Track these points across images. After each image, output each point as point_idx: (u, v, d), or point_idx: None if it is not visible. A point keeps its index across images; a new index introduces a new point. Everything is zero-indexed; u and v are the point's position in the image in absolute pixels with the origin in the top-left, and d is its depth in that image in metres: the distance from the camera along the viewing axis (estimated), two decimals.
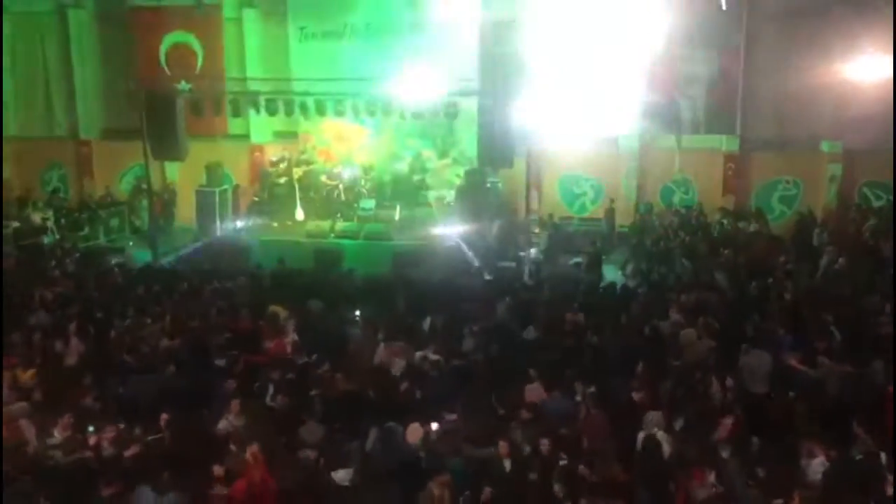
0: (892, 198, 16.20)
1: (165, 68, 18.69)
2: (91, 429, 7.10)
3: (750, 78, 17.04)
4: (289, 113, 16.76)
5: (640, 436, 6.90)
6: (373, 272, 13.93)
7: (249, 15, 18.71)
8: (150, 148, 16.12)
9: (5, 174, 19.62)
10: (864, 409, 7.21)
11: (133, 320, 10.41)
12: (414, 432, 6.89)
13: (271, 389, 8.10)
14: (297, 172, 18.17)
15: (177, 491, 6.06)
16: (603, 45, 15.85)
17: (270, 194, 18.15)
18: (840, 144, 16.88)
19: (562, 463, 6.46)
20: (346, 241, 16.25)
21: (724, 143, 17.66)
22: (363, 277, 13.42)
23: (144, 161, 16.43)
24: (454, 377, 8.45)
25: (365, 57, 17.30)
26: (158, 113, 15.84)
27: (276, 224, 17.52)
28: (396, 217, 17.34)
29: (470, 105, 16.09)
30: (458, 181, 17.62)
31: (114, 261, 15.34)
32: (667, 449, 6.70)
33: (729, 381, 8.07)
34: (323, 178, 18.04)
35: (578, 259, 15.02)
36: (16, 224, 16.72)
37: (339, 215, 17.40)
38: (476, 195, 16.26)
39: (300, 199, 17.71)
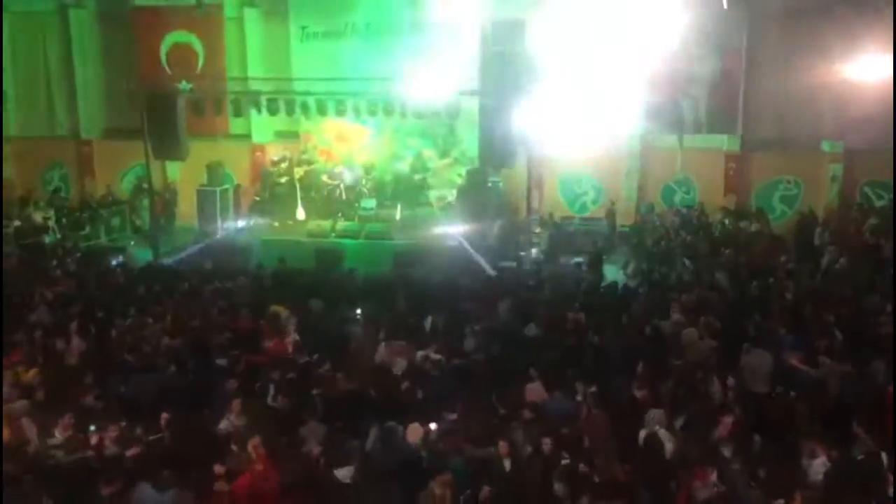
0: (893, 197, 16.20)
1: (166, 68, 18.68)
2: (92, 428, 7.10)
3: (751, 78, 17.06)
4: (290, 112, 16.77)
5: (642, 434, 6.90)
6: (374, 272, 13.95)
7: (250, 14, 18.74)
8: (152, 147, 16.14)
9: (7, 174, 19.65)
10: (865, 409, 7.20)
11: (134, 320, 10.41)
12: (414, 432, 6.88)
13: (272, 389, 8.10)
14: (299, 172, 18.20)
15: (177, 488, 6.06)
16: (605, 45, 15.82)
17: (271, 194, 18.17)
18: (841, 144, 16.89)
19: (563, 462, 6.45)
20: (347, 241, 16.27)
21: (726, 142, 17.68)
22: (364, 277, 13.44)
23: (145, 160, 16.44)
24: (455, 377, 8.45)
25: (366, 56, 17.32)
26: (159, 112, 15.86)
27: (277, 224, 17.55)
28: (397, 217, 17.35)
29: (471, 105, 16.10)
30: (459, 181, 17.65)
31: (115, 260, 15.37)
32: (669, 447, 6.70)
33: (730, 381, 8.07)
34: (324, 177, 18.06)
35: (579, 259, 15.03)
36: (17, 223, 16.73)
37: (340, 215, 17.41)
38: (477, 195, 16.28)
39: (301, 198, 17.73)
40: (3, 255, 13.98)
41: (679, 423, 7.23)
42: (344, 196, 17.74)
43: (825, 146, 17.08)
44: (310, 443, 6.91)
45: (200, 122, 17.15)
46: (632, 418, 7.24)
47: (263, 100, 16.57)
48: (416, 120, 16.84)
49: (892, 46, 14.38)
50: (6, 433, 7.00)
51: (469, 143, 17.52)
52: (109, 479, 6.09)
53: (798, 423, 7.13)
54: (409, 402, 7.88)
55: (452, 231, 16.24)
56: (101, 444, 6.91)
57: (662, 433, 6.84)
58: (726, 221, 16.46)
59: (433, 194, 18.20)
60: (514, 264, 15.23)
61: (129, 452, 6.83)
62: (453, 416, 7.41)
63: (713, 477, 6.00)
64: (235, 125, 18.70)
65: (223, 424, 7.38)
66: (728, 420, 7.00)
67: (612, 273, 14.60)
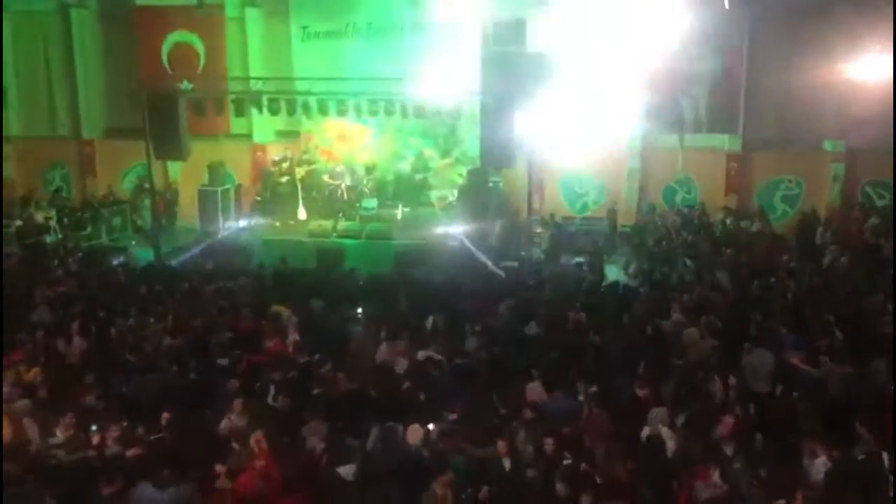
0: (894, 197, 16.18)
1: (168, 68, 18.68)
2: (93, 427, 7.10)
3: (752, 77, 17.04)
4: (291, 112, 16.74)
5: (645, 432, 6.89)
6: (375, 271, 13.94)
7: (252, 14, 18.74)
8: (153, 147, 16.14)
9: (8, 173, 19.67)
10: (866, 409, 7.19)
11: (135, 319, 10.41)
12: (414, 433, 6.88)
13: (273, 389, 8.10)
14: (300, 172, 18.20)
15: (177, 486, 6.07)
16: (606, 45, 15.82)
17: (273, 194, 18.18)
18: (843, 144, 16.88)
19: (565, 462, 6.45)
20: (348, 241, 16.25)
21: (727, 142, 17.67)
22: (365, 277, 13.45)
23: (147, 160, 16.45)
24: (456, 376, 8.45)
25: (367, 56, 17.34)
26: (161, 112, 15.86)
27: (278, 223, 17.53)
28: (398, 216, 17.34)
29: (472, 105, 16.10)
30: (460, 181, 17.65)
31: (116, 260, 15.37)
32: (671, 446, 6.70)
33: (732, 381, 8.07)
34: (325, 177, 18.06)
35: (581, 259, 15.03)
36: (19, 223, 16.72)
37: (341, 215, 17.40)
38: (478, 195, 16.28)
39: (302, 198, 17.72)
40: (4, 255, 13.99)
41: (680, 421, 7.23)
42: (345, 196, 17.72)
43: (827, 146, 17.08)
44: (312, 440, 6.91)
45: (202, 121, 17.14)
46: (633, 418, 7.24)
47: (265, 99, 16.53)
48: (418, 120, 16.78)
49: (893, 45, 14.37)
50: (7, 433, 7.01)
51: (470, 142, 17.51)
52: (110, 478, 6.09)
53: (799, 422, 7.11)
54: (410, 401, 7.88)
55: (454, 231, 16.24)
56: (103, 444, 6.91)
57: (665, 432, 6.85)
58: (727, 221, 16.46)
59: (434, 194, 18.20)
60: (515, 264, 15.23)
61: (131, 452, 6.84)
62: (454, 416, 7.41)
63: (715, 476, 6.00)
64: (237, 125, 18.68)
65: (224, 424, 7.38)
66: (729, 419, 6.99)
67: (614, 273, 14.61)
